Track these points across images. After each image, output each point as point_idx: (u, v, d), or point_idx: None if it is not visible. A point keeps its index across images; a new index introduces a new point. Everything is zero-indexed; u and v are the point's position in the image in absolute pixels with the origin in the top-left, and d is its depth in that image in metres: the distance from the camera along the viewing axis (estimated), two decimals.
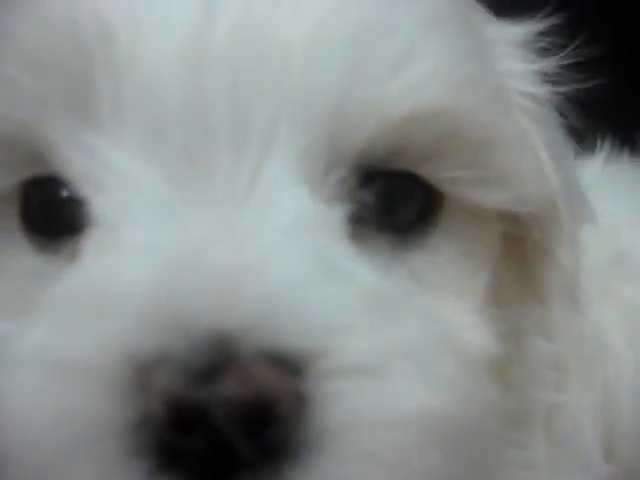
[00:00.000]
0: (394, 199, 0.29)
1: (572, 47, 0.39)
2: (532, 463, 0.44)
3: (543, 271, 0.35)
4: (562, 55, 0.38)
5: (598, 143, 0.61)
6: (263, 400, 0.21)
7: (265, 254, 0.23)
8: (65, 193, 0.27)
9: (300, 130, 0.25)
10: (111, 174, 0.25)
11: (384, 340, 0.24)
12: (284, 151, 0.25)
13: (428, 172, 0.29)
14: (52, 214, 0.28)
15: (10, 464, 0.24)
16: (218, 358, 0.21)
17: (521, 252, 0.36)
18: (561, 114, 0.41)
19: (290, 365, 0.22)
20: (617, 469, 0.50)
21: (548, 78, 0.37)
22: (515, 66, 0.34)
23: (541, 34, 0.37)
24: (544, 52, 0.38)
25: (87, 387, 0.22)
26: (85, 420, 0.22)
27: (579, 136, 0.55)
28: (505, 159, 0.30)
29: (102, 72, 0.25)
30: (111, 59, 0.25)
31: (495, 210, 0.31)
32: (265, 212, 0.25)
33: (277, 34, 0.25)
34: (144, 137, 0.25)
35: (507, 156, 0.30)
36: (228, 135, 0.25)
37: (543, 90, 0.36)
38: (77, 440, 0.22)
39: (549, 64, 0.37)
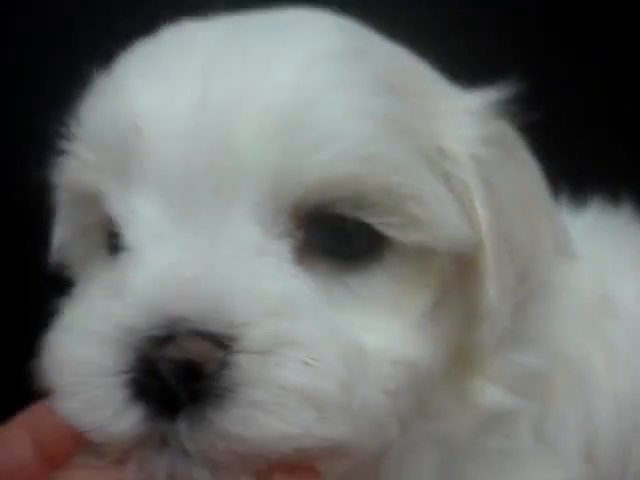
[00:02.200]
0: (337, 234, 0.37)
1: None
2: (514, 453, 0.50)
3: (478, 298, 0.41)
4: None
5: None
6: (192, 363, 0.31)
7: (217, 271, 0.34)
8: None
9: (252, 190, 0.36)
10: (135, 217, 0.37)
11: (279, 332, 0.33)
12: (242, 205, 0.36)
13: (360, 216, 0.37)
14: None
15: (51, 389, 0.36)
16: (168, 333, 0.32)
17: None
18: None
19: (219, 339, 0.32)
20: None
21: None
22: (464, 132, 0.41)
23: (493, 103, 0.43)
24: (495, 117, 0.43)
25: (99, 345, 0.34)
26: (95, 364, 0.34)
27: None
28: (419, 209, 0.38)
29: (133, 151, 0.37)
30: (138, 143, 0.37)
31: (421, 246, 0.38)
32: (226, 244, 0.35)
33: (238, 126, 0.35)
34: (157, 194, 0.37)
35: (421, 206, 0.38)
36: (208, 194, 0.36)
37: (488, 152, 0.41)
38: (90, 374, 0.34)
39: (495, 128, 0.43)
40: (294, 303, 0.34)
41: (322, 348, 0.33)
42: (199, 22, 0.42)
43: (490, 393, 0.45)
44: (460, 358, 0.43)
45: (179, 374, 0.31)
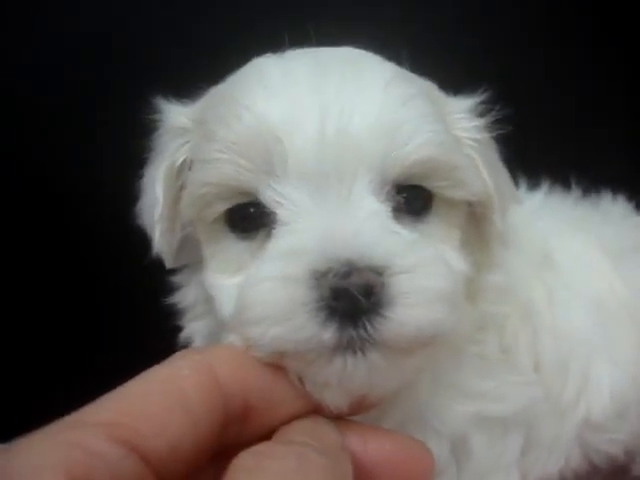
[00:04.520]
0: (413, 199, 0.54)
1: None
2: (486, 357, 0.67)
3: (488, 229, 0.61)
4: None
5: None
6: (367, 285, 0.45)
7: (360, 227, 0.48)
8: (255, 211, 0.52)
9: (366, 173, 0.50)
10: (284, 200, 0.50)
11: (416, 259, 0.48)
12: (360, 184, 0.50)
13: (426, 184, 0.54)
14: (246, 221, 0.53)
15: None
16: (349, 269, 0.45)
17: (478, 219, 0.61)
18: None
19: (378, 271, 0.45)
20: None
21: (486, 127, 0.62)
22: (466, 123, 0.59)
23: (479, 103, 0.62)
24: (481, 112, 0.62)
25: (293, 286, 0.45)
26: (292, 300, 0.45)
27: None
28: (462, 175, 0.55)
29: (276, 154, 0.50)
30: (279, 147, 0.49)
31: (460, 199, 0.57)
32: (355, 211, 0.49)
33: (354, 130, 0.49)
34: (298, 182, 0.49)
35: (462, 173, 0.55)
36: (335, 179, 0.49)
37: (483, 136, 0.61)
38: (289, 308, 0.45)
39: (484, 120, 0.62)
40: (411, 242, 0.50)
41: (437, 265, 0.50)
42: (284, 56, 0.56)
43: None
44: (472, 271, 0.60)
45: (361, 292, 0.45)
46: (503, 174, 0.64)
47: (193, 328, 0.67)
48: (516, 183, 0.86)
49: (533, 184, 0.89)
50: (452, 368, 0.64)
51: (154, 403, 0.39)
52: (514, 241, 0.71)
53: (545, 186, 0.88)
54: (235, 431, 0.43)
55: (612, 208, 0.93)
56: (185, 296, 0.66)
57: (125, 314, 1.01)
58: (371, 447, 0.45)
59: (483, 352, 0.66)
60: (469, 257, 0.59)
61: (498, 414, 0.66)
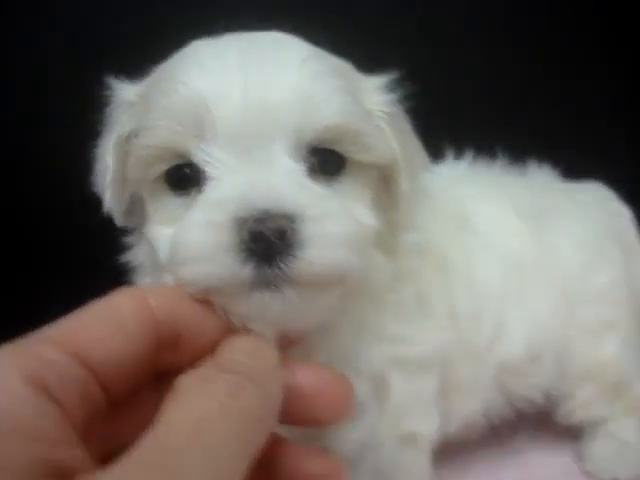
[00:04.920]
0: (326, 161, 0.60)
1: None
2: (401, 303, 0.74)
3: (396, 190, 0.67)
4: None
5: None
6: (280, 229, 0.51)
7: (276, 182, 0.55)
8: (189, 171, 0.58)
9: (284, 137, 0.56)
10: (212, 160, 0.56)
11: (324, 209, 0.54)
12: (279, 146, 0.56)
13: (338, 148, 0.62)
14: (184, 180, 0.59)
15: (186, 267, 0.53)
16: (265, 216, 0.52)
17: (388, 182, 0.69)
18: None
19: (290, 218, 0.52)
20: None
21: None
22: (377, 97, 0.67)
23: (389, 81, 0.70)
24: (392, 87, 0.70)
25: (216, 231, 0.52)
26: (216, 243, 0.51)
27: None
28: (369, 141, 0.62)
29: (206, 120, 0.56)
30: (209, 115, 0.56)
31: (370, 163, 0.64)
32: (273, 169, 0.55)
33: (272, 101, 0.56)
34: (225, 144, 0.55)
35: (370, 140, 0.62)
36: (256, 142, 0.55)
37: (393, 108, 0.67)
38: (213, 249, 0.51)
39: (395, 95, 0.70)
40: (324, 196, 0.57)
41: (342, 215, 0.57)
42: (219, 38, 0.65)
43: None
44: (387, 229, 0.67)
45: (275, 236, 0.51)
46: (413, 143, 0.72)
47: (144, 284, 0.74)
48: (443, 154, 0.95)
49: (460, 155, 0.98)
50: (373, 315, 0.72)
51: (96, 324, 0.45)
52: (432, 204, 0.80)
53: (469, 156, 0.96)
54: (169, 358, 0.49)
55: (537, 175, 1.01)
56: (136, 255, 0.74)
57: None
58: (299, 374, 0.52)
59: (400, 300, 0.74)
60: (382, 215, 0.66)
61: (412, 356, 0.74)
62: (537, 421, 1.01)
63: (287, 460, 0.52)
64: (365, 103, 0.65)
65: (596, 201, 1.01)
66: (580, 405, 0.92)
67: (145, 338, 0.47)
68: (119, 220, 0.70)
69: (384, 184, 0.68)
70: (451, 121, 1.04)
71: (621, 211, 1.03)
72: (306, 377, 0.52)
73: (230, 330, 0.53)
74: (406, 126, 0.71)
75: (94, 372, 0.44)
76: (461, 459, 0.97)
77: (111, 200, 0.67)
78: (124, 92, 0.69)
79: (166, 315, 0.49)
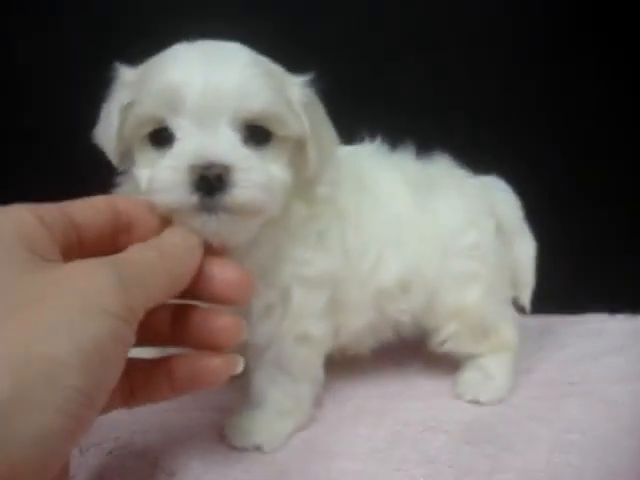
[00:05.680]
0: (256, 133, 0.79)
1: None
2: (307, 235, 0.94)
3: (307, 156, 0.85)
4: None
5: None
6: (220, 174, 0.72)
7: (219, 144, 0.74)
8: (165, 133, 0.77)
9: (228, 115, 0.75)
10: (181, 128, 0.76)
11: (249, 164, 0.74)
12: (224, 121, 0.75)
13: (265, 125, 0.79)
14: (161, 139, 0.78)
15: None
16: (210, 164, 0.72)
17: (302, 150, 0.85)
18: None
19: (226, 168, 0.72)
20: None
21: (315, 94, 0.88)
22: (297, 92, 0.85)
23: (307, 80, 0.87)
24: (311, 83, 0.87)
25: (177, 172, 0.72)
26: (176, 180, 0.72)
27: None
28: (287, 121, 0.80)
29: (177, 100, 0.75)
30: (180, 95, 0.75)
31: (288, 136, 0.82)
32: (218, 135, 0.75)
33: (221, 91, 0.76)
34: (189, 117, 0.75)
35: (289, 120, 0.81)
36: (210, 117, 0.75)
37: (310, 99, 0.86)
38: (174, 184, 0.72)
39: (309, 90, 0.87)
40: (250, 156, 0.77)
41: (262, 169, 0.77)
42: (193, 43, 0.82)
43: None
44: (304, 184, 0.87)
45: (215, 178, 0.71)
46: (325, 124, 0.92)
47: None
48: (358, 137, 1.21)
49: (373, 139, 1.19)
50: (286, 242, 0.91)
51: (78, 203, 0.66)
52: (341, 170, 0.99)
53: (379, 140, 1.13)
54: (125, 240, 0.68)
55: (438, 160, 1.16)
56: (124, 191, 0.92)
57: None
58: (214, 261, 0.72)
59: (307, 234, 0.94)
60: (297, 174, 0.86)
61: (311, 275, 0.94)
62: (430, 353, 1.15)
63: (196, 316, 0.72)
64: (288, 95, 0.85)
65: (483, 185, 1.16)
66: (449, 337, 1.10)
67: (108, 214, 0.68)
68: (116, 162, 0.88)
69: (300, 152, 0.86)
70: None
71: (507, 197, 1.17)
72: (219, 265, 0.72)
73: (168, 225, 0.72)
74: (320, 112, 0.90)
75: (73, 222, 0.63)
76: (356, 373, 1.14)
77: (112, 150, 0.85)
78: (126, 73, 0.86)
79: (124, 207, 0.70)
